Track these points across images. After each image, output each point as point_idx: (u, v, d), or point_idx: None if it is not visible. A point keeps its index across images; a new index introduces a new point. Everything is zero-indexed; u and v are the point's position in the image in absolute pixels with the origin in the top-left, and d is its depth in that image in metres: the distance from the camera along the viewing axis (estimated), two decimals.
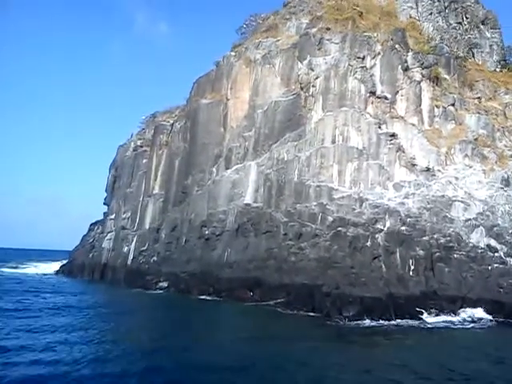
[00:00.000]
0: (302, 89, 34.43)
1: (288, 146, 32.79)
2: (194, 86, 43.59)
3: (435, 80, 34.47)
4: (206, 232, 33.41)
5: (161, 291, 31.82)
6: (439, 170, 29.54)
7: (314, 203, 28.80)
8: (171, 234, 37.09)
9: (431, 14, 44.55)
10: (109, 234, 50.03)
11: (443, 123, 32.73)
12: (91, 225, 61.53)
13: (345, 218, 27.09)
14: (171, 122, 48.90)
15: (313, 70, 34.12)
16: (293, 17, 40.13)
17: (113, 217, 51.69)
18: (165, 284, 32.67)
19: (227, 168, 36.06)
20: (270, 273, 27.20)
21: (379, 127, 30.74)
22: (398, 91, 33.04)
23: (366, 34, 34.58)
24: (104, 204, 60.39)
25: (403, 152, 30.14)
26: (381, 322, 20.18)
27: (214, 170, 37.02)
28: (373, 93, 32.53)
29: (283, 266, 26.94)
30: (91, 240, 57.43)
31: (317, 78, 33.79)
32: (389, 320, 20.51)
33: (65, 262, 68.46)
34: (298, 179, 30.66)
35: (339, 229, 26.34)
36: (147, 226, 45.56)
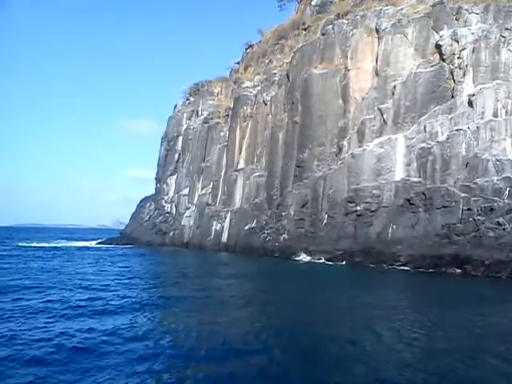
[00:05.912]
0: (443, 60, 33.68)
1: (440, 119, 32.17)
2: (296, 55, 41.60)
3: None
4: (358, 208, 32.39)
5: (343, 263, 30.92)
6: None
7: (496, 178, 28.55)
8: (301, 211, 35.75)
9: None
10: (187, 211, 47.62)
11: None
12: (141, 201, 58.40)
13: None
14: (254, 92, 46.78)
15: (457, 41, 33.33)
16: None
17: (186, 192, 49.22)
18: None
19: (361, 142, 35.01)
20: (467, 249, 26.84)
21: None
22: None
23: (507, 4, 34.17)
24: (155, 179, 57.47)
25: None
26: None
27: (345, 143, 35.82)
28: None
29: (484, 242, 26.67)
30: (147, 218, 54.65)
31: (463, 50, 33.08)
32: None
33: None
34: (467, 153, 30.24)
35: None
36: (239, 202, 43.83)
